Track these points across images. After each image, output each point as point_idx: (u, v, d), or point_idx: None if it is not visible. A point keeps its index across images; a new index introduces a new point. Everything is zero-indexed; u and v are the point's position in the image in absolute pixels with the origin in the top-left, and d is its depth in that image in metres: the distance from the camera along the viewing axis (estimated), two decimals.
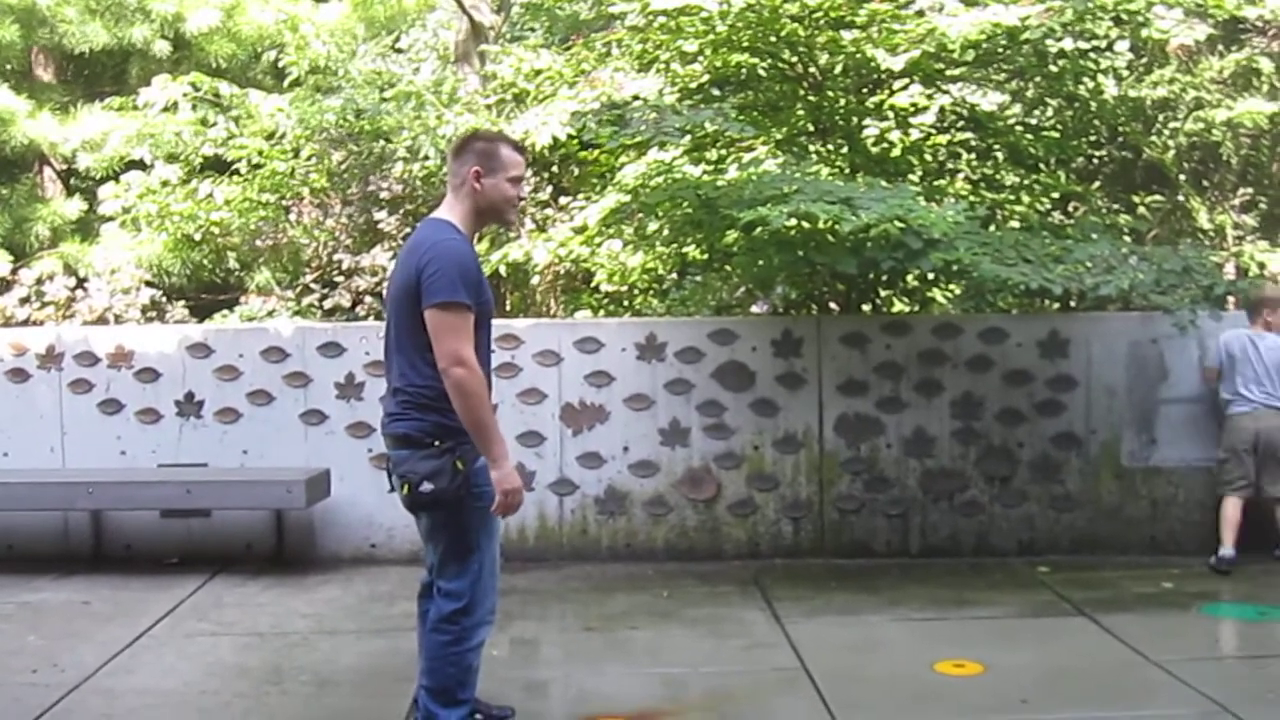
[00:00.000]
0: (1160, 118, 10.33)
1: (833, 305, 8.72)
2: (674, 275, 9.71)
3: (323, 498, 7.52)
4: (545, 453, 7.69)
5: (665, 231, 8.49)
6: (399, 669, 5.37)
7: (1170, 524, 7.76)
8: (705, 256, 8.97)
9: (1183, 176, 10.30)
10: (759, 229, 7.10)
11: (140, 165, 9.88)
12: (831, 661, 5.65)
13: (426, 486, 4.26)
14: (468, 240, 4.45)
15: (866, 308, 8.61)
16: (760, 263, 7.86)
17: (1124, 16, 7.90)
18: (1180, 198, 10.36)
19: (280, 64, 10.76)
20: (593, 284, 9.78)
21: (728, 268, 8.82)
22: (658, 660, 5.77)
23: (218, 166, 9.95)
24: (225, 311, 9.78)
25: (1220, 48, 10.56)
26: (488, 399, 4.26)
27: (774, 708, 5.16)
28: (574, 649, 6.00)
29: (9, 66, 11.43)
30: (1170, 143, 10.25)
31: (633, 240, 9.00)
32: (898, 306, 9.17)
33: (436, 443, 4.27)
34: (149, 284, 9.75)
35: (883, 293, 8.83)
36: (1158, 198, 10.41)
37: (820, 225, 7.19)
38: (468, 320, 4.24)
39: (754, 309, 9.17)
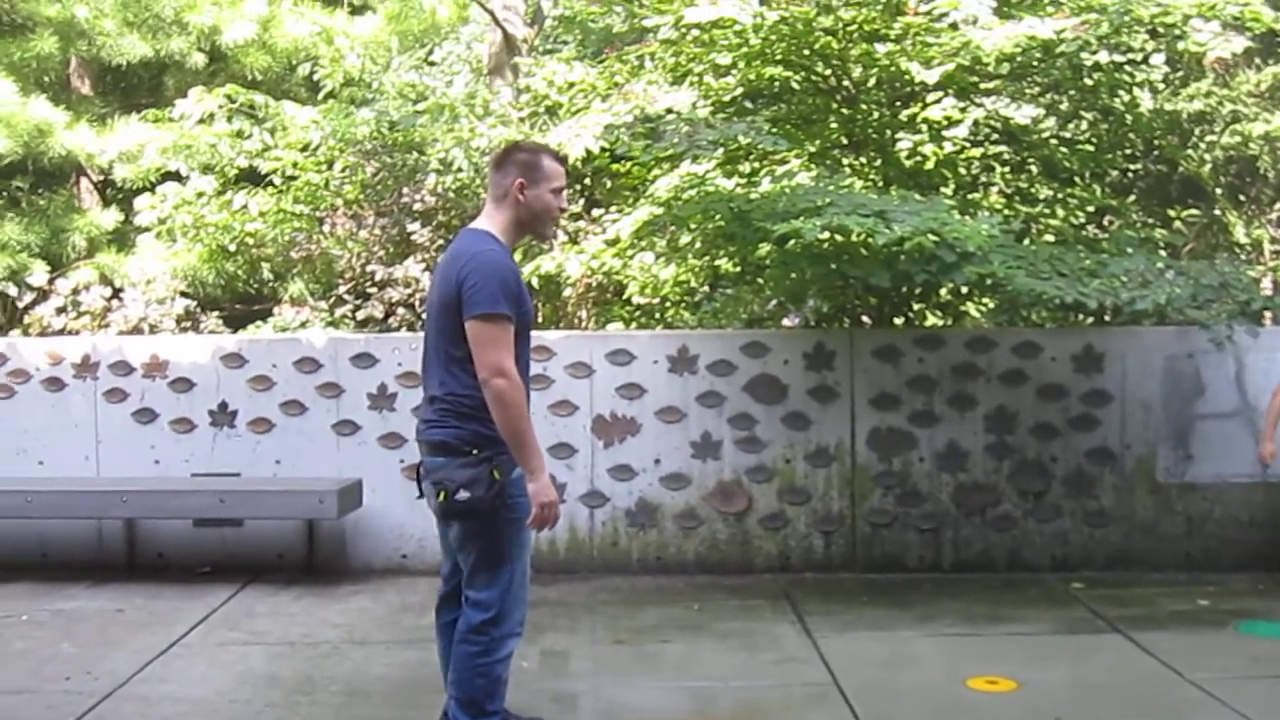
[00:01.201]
0: (1196, 131, 10.27)
1: (865, 318, 8.69)
2: (706, 288, 9.70)
3: (354, 508, 7.54)
4: (576, 465, 7.69)
5: (698, 244, 8.48)
6: (429, 680, 5.36)
7: (1206, 540, 7.69)
8: (737, 269, 8.96)
9: (1219, 190, 10.23)
10: (792, 242, 7.09)
11: (176, 176, 9.96)
12: (863, 676, 5.62)
13: (463, 495, 4.25)
14: (508, 251, 4.45)
15: (899, 321, 8.58)
16: (793, 275, 7.84)
17: (1160, 29, 7.85)
18: (1216, 212, 10.29)
19: (315, 76, 10.84)
20: (625, 296, 9.78)
21: (760, 280, 8.80)
22: (688, 674, 5.75)
23: (252, 178, 10.01)
24: (259, 322, 9.84)
25: (1258, 61, 10.50)
26: (527, 411, 4.27)
27: None
28: (604, 661, 5.99)
29: (48, 79, 11.56)
30: (1206, 156, 10.19)
31: (665, 253, 8.99)
32: (931, 320, 9.13)
33: (475, 451, 4.27)
34: (184, 294, 9.82)
35: (916, 306, 8.79)
36: (1194, 212, 10.34)
37: (853, 238, 7.17)
38: (509, 331, 4.24)
39: (786, 322, 9.15)
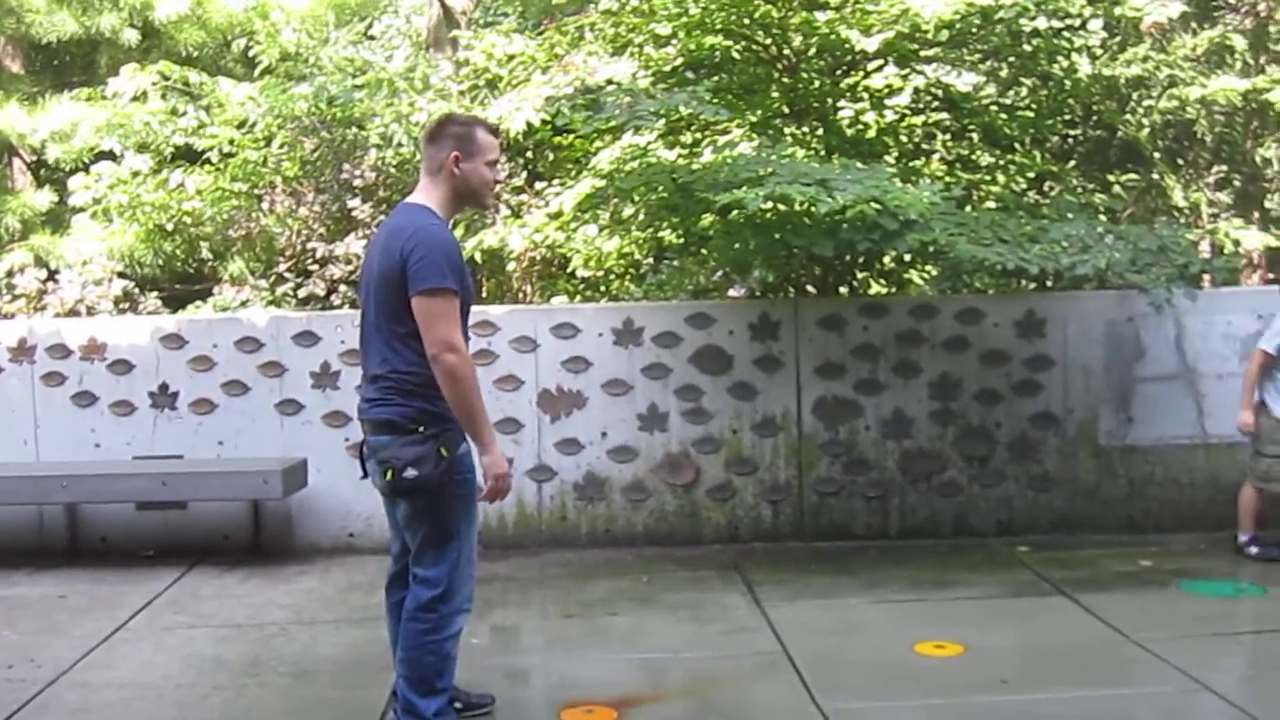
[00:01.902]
0: (1134, 96, 10.34)
1: (809, 288, 8.71)
2: (650, 260, 9.68)
3: (300, 488, 7.48)
4: (523, 439, 7.66)
5: (641, 216, 8.45)
6: (378, 659, 5.33)
7: (1147, 502, 7.78)
8: (681, 241, 8.95)
9: (1157, 155, 10.32)
10: (735, 212, 7.08)
11: (110, 156, 9.80)
12: (812, 644, 5.65)
13: (410, 473, 4.22)
14: (447, 225, 4.42)
15: (843, 290, 8.60)
16: (736, 246, 7.84)
17: None
18: (1155, 176, 10.38)
19: (251, 52, 10.68)
20: (569, 270, 9.76)
21: (704, 251, 8.80)
22: (638, 646, 5.76)
23: (189, 156, 9.87)
24: (199, 302, 9.74)
25: (1194, 25, 10.59)
26: (477, 384, 4.25)
27: (755, 692, 5.16)
28: (555, 636, 5.98)
29: None
30: (1145, 121, 10.27)
31: (608, 225, 8.96)
32: (874, 288, 9.17)
33: (421, 429, 4.24)
34: (121, 275, 9.68)
35: (859, 275, 8.82)
36: (1133, 176, 10.43)
37: (796, 208, 7.17)
38: (454, 305, 4.21)
39: (731, 292, 9.15)
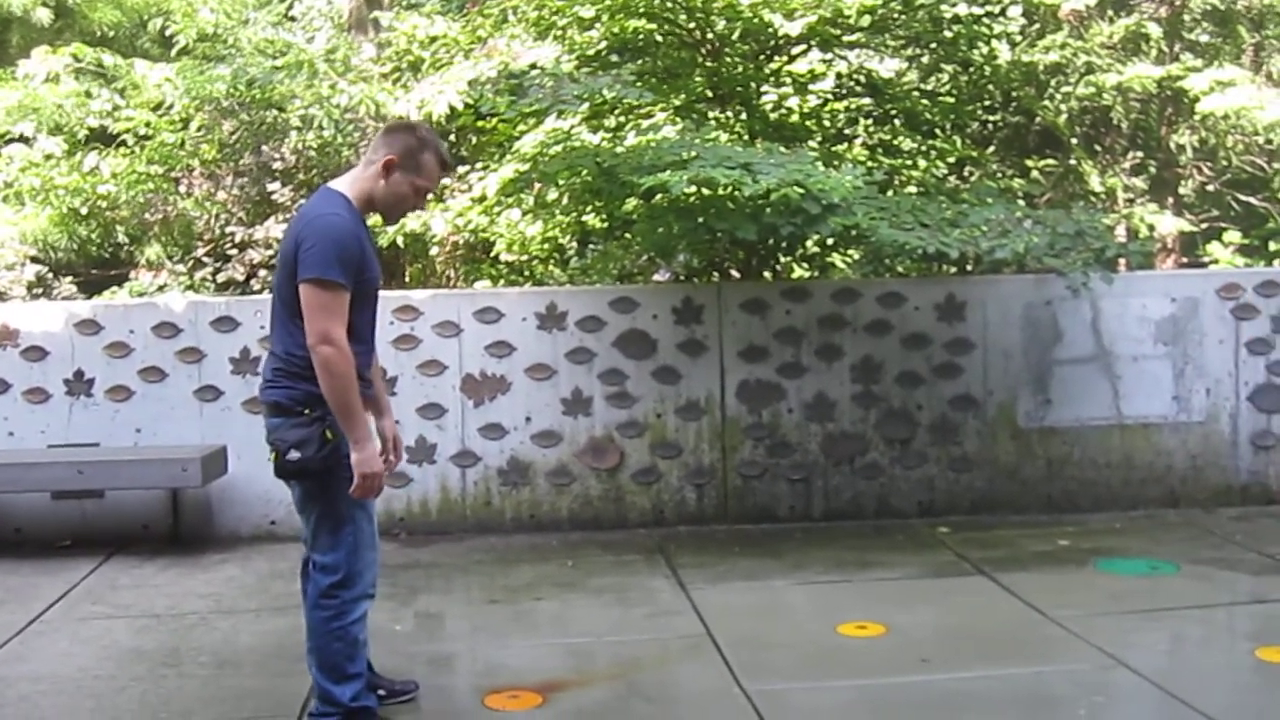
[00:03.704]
0: (1052, 82, 10.48)
1: (733, 272, 8.74)
2: (574, 244, 9.66)
3: (220, 475, 7.38)
4: (446, 424, 7.62)
5: (565, 200, 8.43)
6: (299, 647, 5.23)
7: (1065, 483, 7.90)
8: (605, 225, 8.93)
9: (1075, 140, 10.46)
10: (659, 196, 7.08)
11: (23, 139, 9.60)
12: (736, 627, 5.68)
13: (293, 455, 4.20)
14: (358, 216, 4.34)
15: (767, 274, 8.64)
16: (660, 230, 7.84)
17: None
18: (1072, 161, 10.52)
19: (168, 32, 10.51)
20: (492, 254, 9.70)
21: (628, 236, 8.80)
22: (564, 631, 5.76)
23: (104, 139, 9.69)
24: (115, 287, 9.57)
25: (1110, 13, 10.75)
26: (354, 379, 4.17)
27: (680, 675, 5.18)
28: (479, 621, 5.96)
29: None
30: (1062, 107, 10.41)
31: (532, 209, 8.93)
32: (797, 272, 9.22)
33: (306, 411, 4.21)
34: (34, 260, 9.50)
35: (783, 259, 8.86)
36: (1050, 162, 10.57)
37: (720, 192, 7.18)
38: (340, 299, 4.15)
39: (655, 277, 9.15)
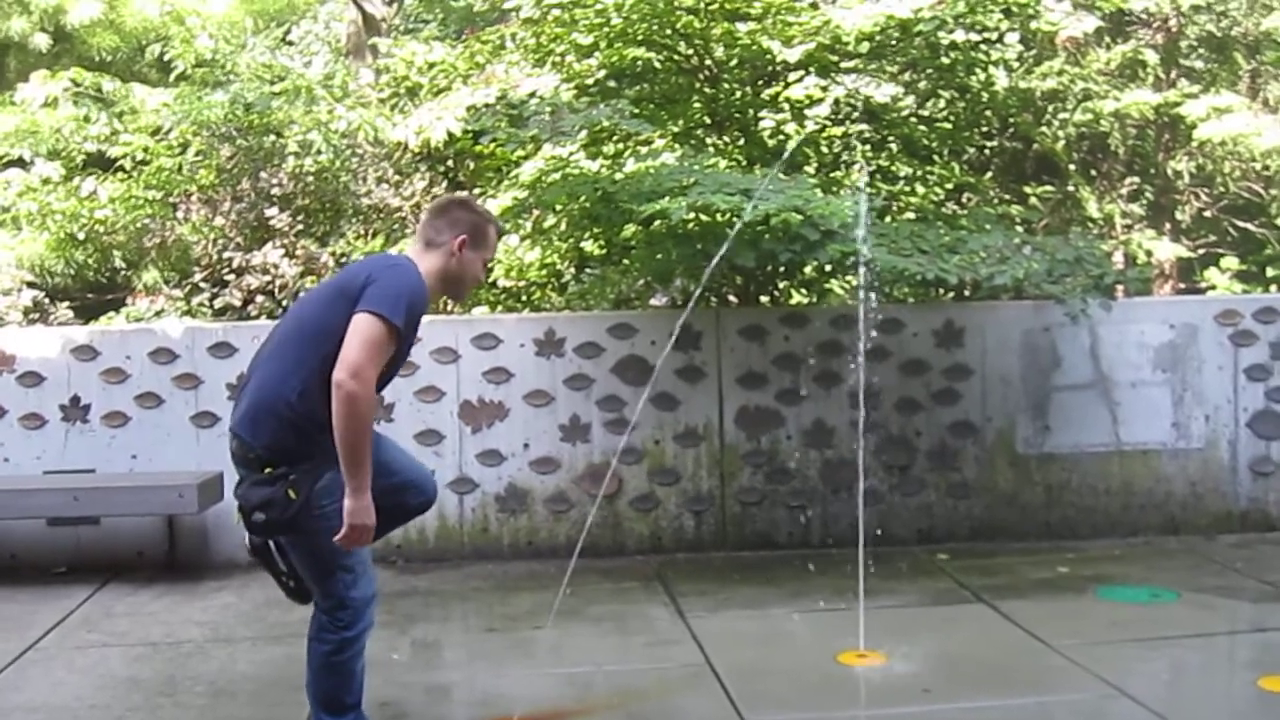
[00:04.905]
0: (1050, 109, 10.52)
1: (732, 298, 8.73)
2: (572, 270, 9.65)
3: (216, 501, 7.34)
4: (444, 451, 7.59)
5: (563, 226, 8.43)
6: (296, 677, 5.21)
7: (1064, 509, 7.88)
8: (603, 251, 8.94)
9: (1072, 166, 10.50)
10: (657, 222, 7.07)
11: (20, 163, 9.60)
12: (736, 656, 5.64)
13: (258, 516, 4.07)
14: (427, 288, 4.24)
15: (765, 300, 8.63)
16: (659, 256, 7.83)
17: (1014, 9, 8.02)
18: (1070, 187, 10.56)
19: (166, 57, 10.52)
20: (490, 280, 9.69)
21: (626, 261, 8.79)
22: (562, 660, 5.72)
23: (101, 163, 9.68)
24: (111, 313, 9.53)
25: (1107, 40, 10.79)
26: (370, 424, 4.01)
27: (680, 705, 5.14)
28: (477, 650, 5.93)
29: None
30: (1060, 133, 10.45)
31: (530, 235, 8.93)
32: (796, 298, 9.21)
33: (268, 470, 4.07)
34: (30, 285, 9.47)
35: (781, 285, 8.85)
36: (1048, 188, 10.60)
37: (719, 219, 7.17)
38: (390, 344, 4.00)
39: (653, 302, 9.15)
